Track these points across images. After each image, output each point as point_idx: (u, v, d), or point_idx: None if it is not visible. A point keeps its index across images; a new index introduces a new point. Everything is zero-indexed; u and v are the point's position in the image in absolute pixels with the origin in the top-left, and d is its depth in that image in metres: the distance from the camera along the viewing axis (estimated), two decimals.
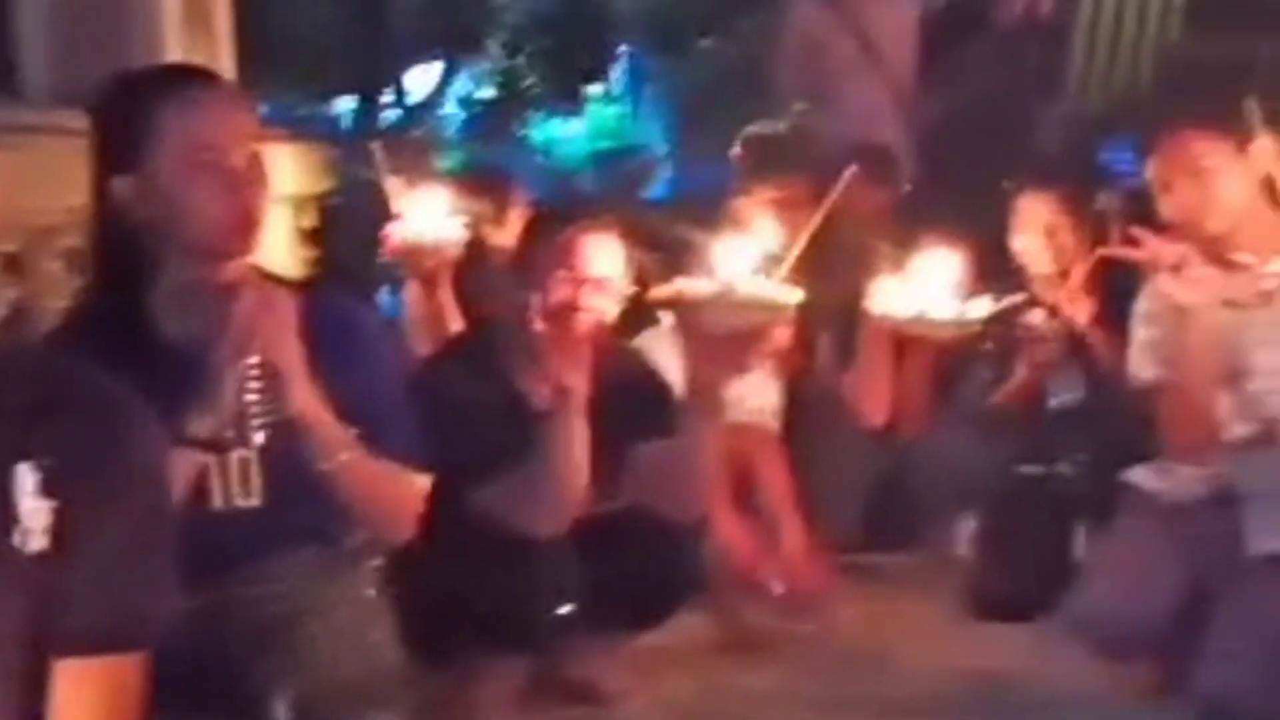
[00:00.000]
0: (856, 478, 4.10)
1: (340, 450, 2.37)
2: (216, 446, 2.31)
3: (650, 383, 3.20)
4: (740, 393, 3.13)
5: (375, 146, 4.27)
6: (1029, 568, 3.89)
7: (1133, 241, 3.11)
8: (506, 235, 4.42)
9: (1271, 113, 3.06)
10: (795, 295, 2.69)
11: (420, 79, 10.86)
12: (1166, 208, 3.13)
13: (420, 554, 2.60)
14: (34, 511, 1.52)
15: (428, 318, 4.04)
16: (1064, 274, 3.98)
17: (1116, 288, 3.50)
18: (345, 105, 10.42)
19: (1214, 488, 3.10)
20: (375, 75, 10.31)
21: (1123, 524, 3.35)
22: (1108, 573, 3.28)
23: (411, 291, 4.26)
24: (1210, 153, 3.06)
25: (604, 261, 3.11)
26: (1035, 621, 3.71)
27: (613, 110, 11.66)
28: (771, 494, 3.90)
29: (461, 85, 10.98)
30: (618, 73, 11.51)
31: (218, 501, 2.37)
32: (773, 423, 3.97)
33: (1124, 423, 3.46)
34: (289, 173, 4.17)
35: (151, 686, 1.61)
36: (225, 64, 4.04)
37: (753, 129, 4.42)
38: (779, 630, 3.80)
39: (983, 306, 3.42)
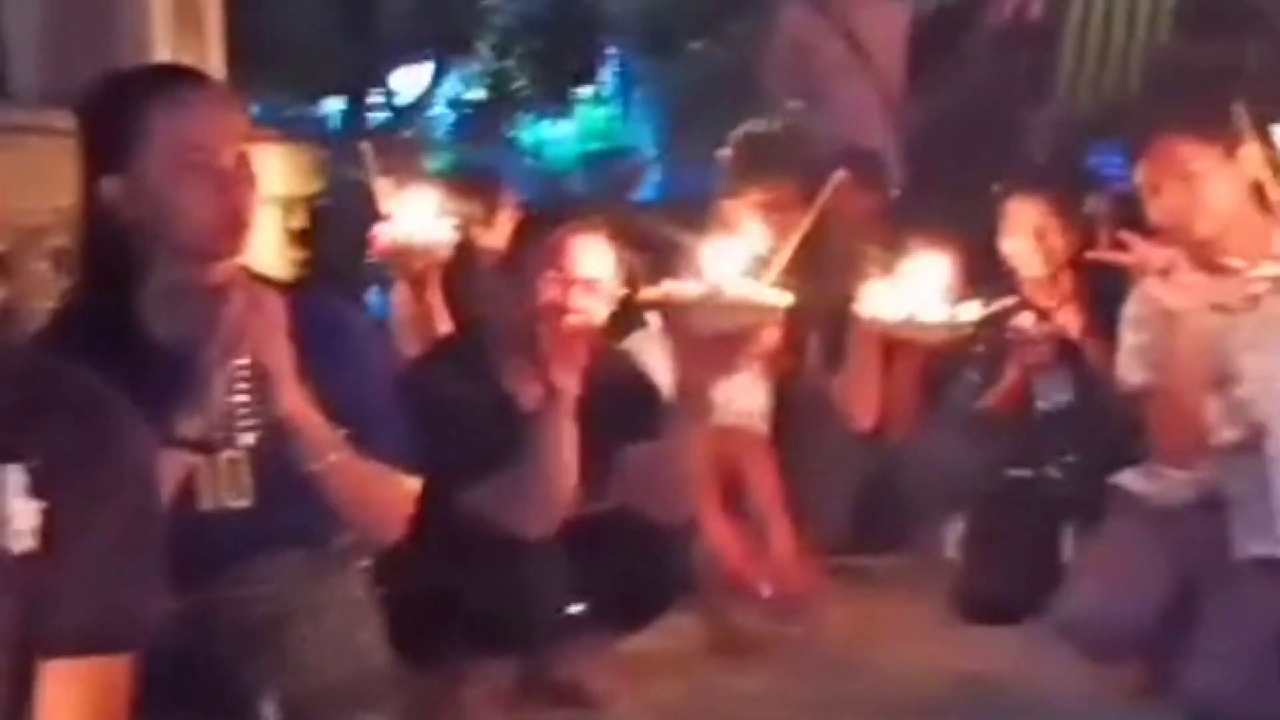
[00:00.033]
0: (845, 480, 4.10)
1: (329, 451, 2.37)
2: (205, 447, 2.30)
3: (638, 385, 3.20)
4: (728, 395, 3.13)
5: (365, 147, 4.27)
6: (1017, 570, 3.90)
7: (1121, 246, 3.11)
8: (495, 237, 4.42)
9: (1260, 117, 3.06)
10: (783, 298, 2.69)
11: (409, 80, 10.85)
12: (1155, 212, 3.13)
13: (409, 555, 2.60)
14: (22, 512, 1.52)
15: (416, 319, 4.04)
16: (1053, 277, 3.99)
17: (1105, 292, 3.50)
18: (334, 106, 10.41)
19: (1202, 491, 3.10)
20: (364, 76, 10.29)
21: (1111, 527, 3.35)
22: (1096, 575, 3.29)
23: (400, 292, 4.26)
24: (1199, 157, 3.07)
25: (593, 263, 3.11)
26: (1024, 623, 3.72)
27: (602, 112, 11.65)
28: (760, 496, 3.90)
29: (451, 87, 10.97)
30: (607, 75, 11.50)
31: (206, 502, 2.37)
32: (761, 425, 3.97)
33: (1112, 426, 3.47)
34: (278, 173, 4.16)
35: (140, 687, 1.60)
36: (214, 64, 4.03)
37: (742, 130, 4.43)
38: (768, 632, 3.80)
39: (972, 310, 3.43)
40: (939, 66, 5.70)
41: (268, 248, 3.98)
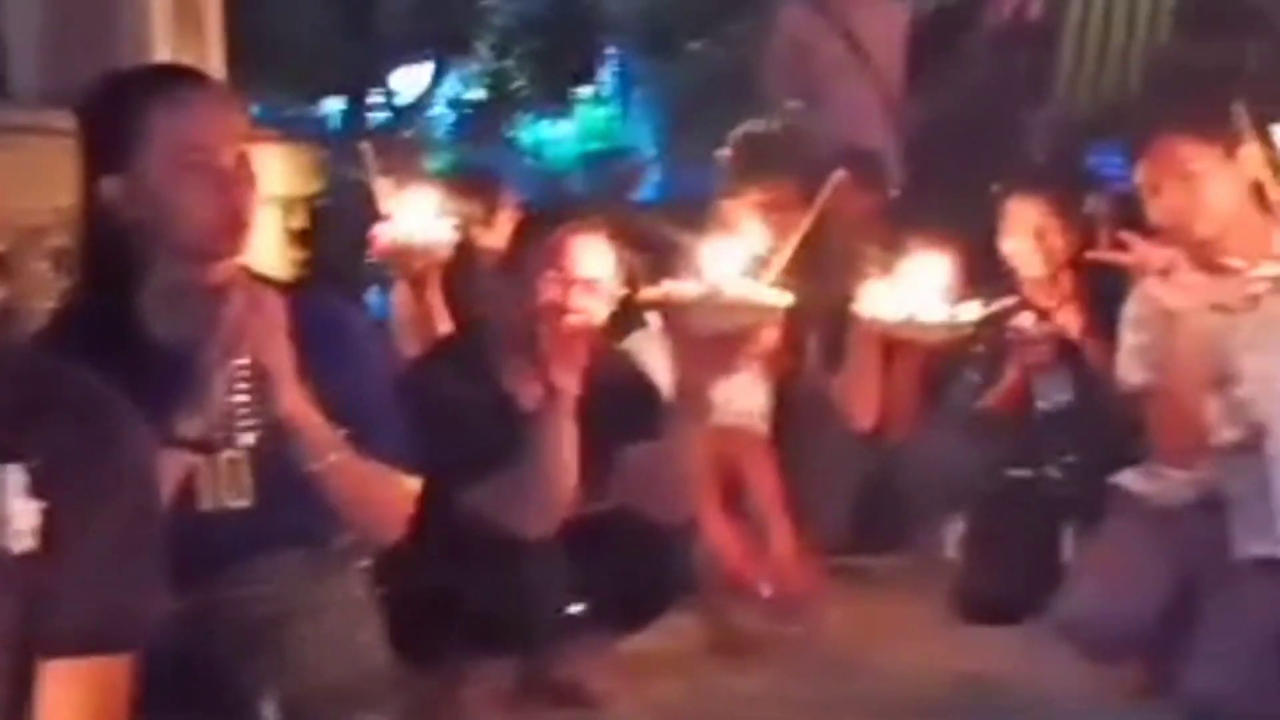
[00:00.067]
0: (845, 480, 4.10)
1: (329, 451, 2.37)
2: (205, 447, 2.30)
3: (638, 385, 3.20)
4: (728, 395, 3.13)
5: (365, 147, 4.27)
6: (1017, 570, 3.90)
7: (1121, 246, 3.11)
8: (495, 237, 4.42)
9: (1260, 117, 3.06)
10: (783, 298, 2.69)
11: (409, 80, 10.85)
12: (1155, 212, 3.13)
13: (409, 555, 2.60)
14: (22, 512, 1.52)
15: (416, 319, 4.04)
16: (1053, 277, 3.99)
17: (1105, 292, 3.50)
18: (334, 106, 10.41)
19: (1202, 491, 3.11)
20: (364, 76, 10.29)
21: (1111, 527, 3.35)
22: (1096, 575, 3.29)
23: (400, 292, 4.26)
24: (1199, 157, 3.07)
25: (593, 263, 3.11)
26: (1024, 623, 3.72)
27: (602, 112, 11.65)
28: (760, 496, 3.90)
29: (451, 87, 10.97)
30: (607, 75, 11.50)
31: (206, 502, 2.37)
32: (761, 425, 3.97)
33: (1112, 426, 3.47)
34: (278, 174, 4.16)
35: (140, 687, 1.60)
36: (214, 64, 4.03)
37: (741, 130, 4.43)
38: (768, 633, 3.80)
39: (972, 310, 3.42)
40: (938, 66, 5.70)
41: (268, 248, 3.98)
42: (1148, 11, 5.82)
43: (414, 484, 2.53)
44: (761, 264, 2.72)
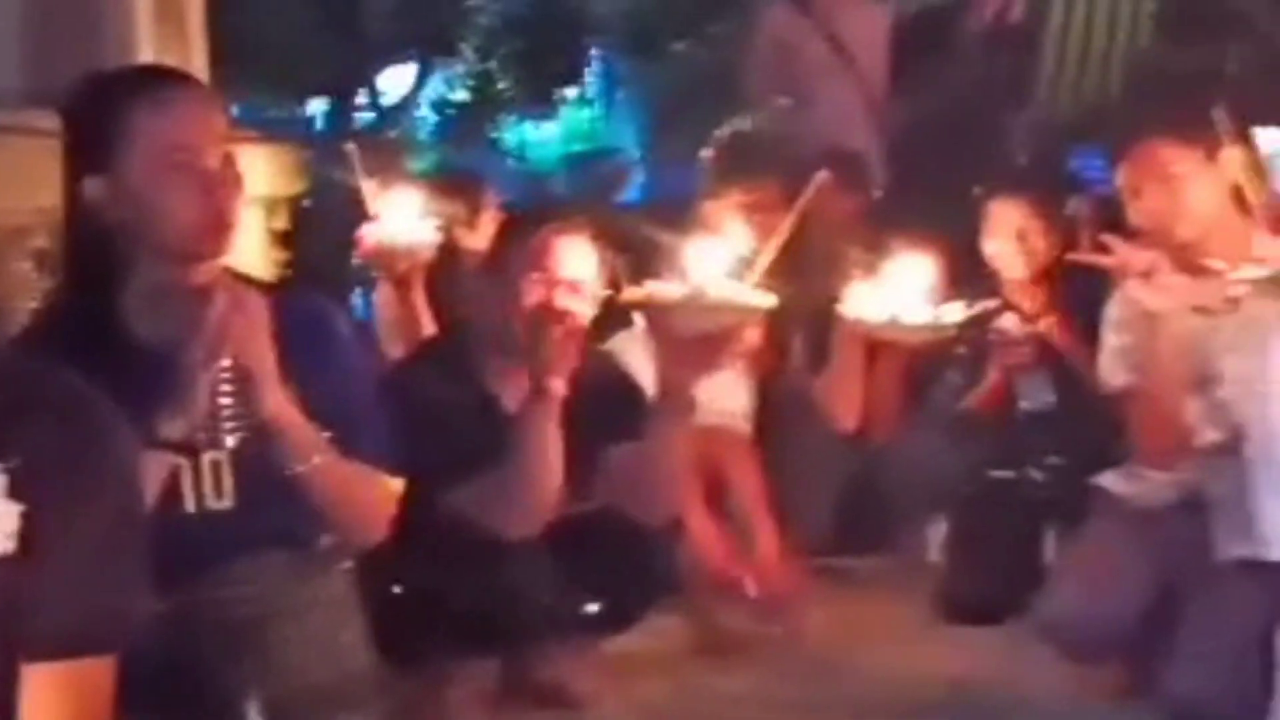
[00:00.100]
0: (828, 481, 4.11)
1: (312, 453, 2.37)
2: (188, 449, 2.30)
3: (622, 386, 3.20)
4: (710, 395, 3.14)
5: (350, 148, 4.27)
6: (1000, 571, 3.91)
7: (1103, 248, 3.12)
8: (478, 238, 4.42)
9: (1240, 121, 3.07)
10: (766, 299, 2.70)
11: (393, 81, 10.84)
12: (1136, 214, 3.14)
13: (392, 556, 2.60)
14: (2, 515, 1.52)
15: (400, 320, 4.04)
16: (1035, 278, 4.00)
17: (1087, 294, 3.51)
18: (318, 107, 10.40)
19: (1183, 493, 3.12)
20: (348, 77, 10.28)
21: (1092, 528, 3.36)
22: (1077, 576, 3.30)
23: (384, 293, 4.26)
24: (1179, 160, 3.08)
25: (577, 263, 3.11)
26: (1006, 624, 3.73)
27: (586, 113, 11.65)
28: (744, 496, 3.91)
29: (434, 88, 10.96)
30: (591, 76, 11.51)
31: (189, 504, 2.36)
32: (744, 425, 3.98)
33: (1095, 428, 3.48)
34: (262, 174, 4.15)
35: (122, 689, 1.60)
36: (198, 65, 4.03)
37: (728, 129, 4.43)
38: (752, 633, 3.81)
39: (955, 311, 3.43)
40: (921, 69, 5.71)
41: (251, 249, 3.97)
42: (1129, 15, 5.84)
43: (397, 485, 2.53)
44: (745, 265, 2.73)
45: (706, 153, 4.40)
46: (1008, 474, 4.03)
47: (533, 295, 3.06)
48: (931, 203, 4.60)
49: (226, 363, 2.28)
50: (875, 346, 3.80)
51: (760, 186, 3.93)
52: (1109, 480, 3.31)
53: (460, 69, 10.79)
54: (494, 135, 10.85)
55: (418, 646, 2.96)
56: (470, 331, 3.24)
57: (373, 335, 4.22)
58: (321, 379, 2.41)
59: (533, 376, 2.93)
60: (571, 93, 11.36)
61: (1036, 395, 4.02)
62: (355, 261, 4.33)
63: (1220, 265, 2.87)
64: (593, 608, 3.11)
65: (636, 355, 3.29)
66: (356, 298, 5.31)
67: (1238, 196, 3.04)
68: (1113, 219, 3.28)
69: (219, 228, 2.37)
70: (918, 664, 3.64)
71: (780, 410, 4.05)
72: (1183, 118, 3.16)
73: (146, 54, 3.89)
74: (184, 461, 2.32)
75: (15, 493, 1.52)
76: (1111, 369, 3.22)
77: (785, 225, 2.90)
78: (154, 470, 2.22)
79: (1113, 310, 3.23)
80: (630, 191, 9.19)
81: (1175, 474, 3.12)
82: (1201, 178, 3.07)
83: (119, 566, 1.59)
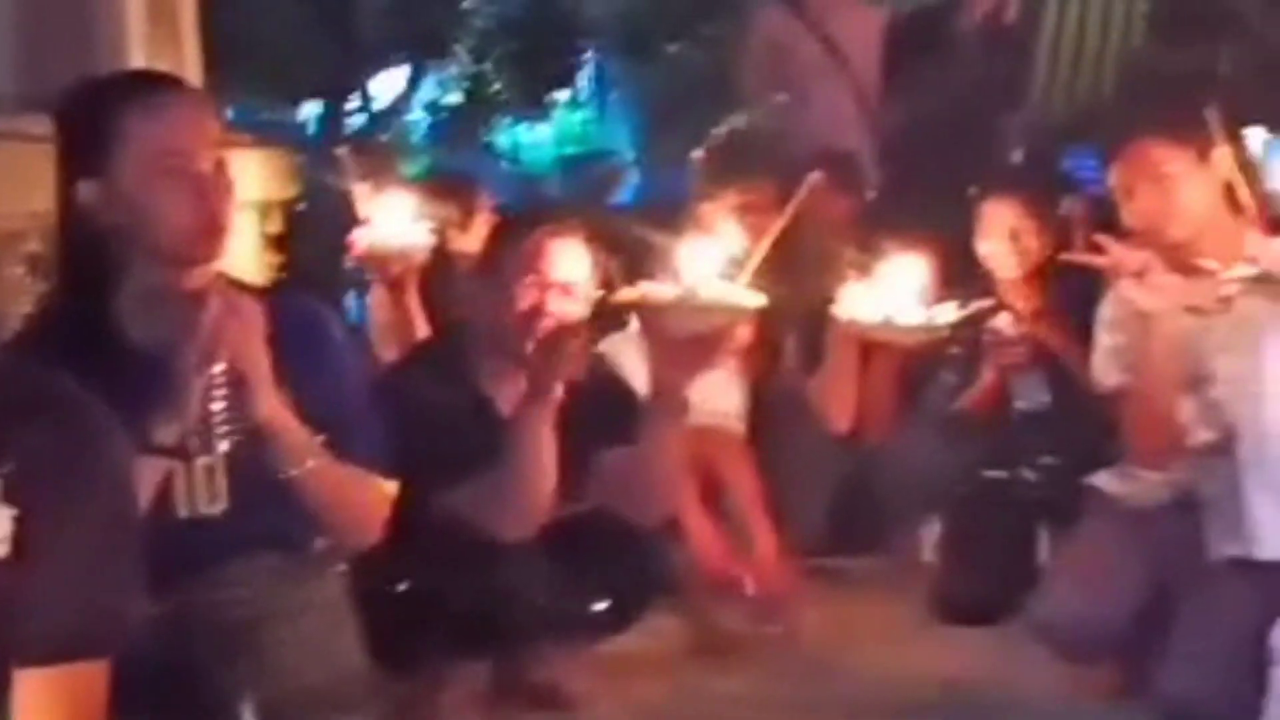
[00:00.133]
0: (822, 481, 4.12)
1: (306, 457, 2.37)
2: (182, 453, 2.30)
3: (615, 388, 3.20)
4: (703, 395, 3.14)
5: (343, 152, 4.27)
6: (993, 572, 3.91)
7: (1096, 248, 3.12)
8: (471, 240, 4.42)
9: (1232, 121, 3.07)
10: (757, 299, 2.70)
11: (386, 84, 10.84)
12: (1129, 214, 3.15)
13: (386, 559, 2.60)
14: None
15: (394, 323, 4.04)
16: (1028, 278, 4.01)
17: (1080, 294, 3.52)
18: (311, 110, 10.40)
19: (1176, 492, 3.12)
20: (341, 80, 10.28)
21: (1086, 528, 3.37)
22: (1071, 576, 3.31)
23: (377, 297, 4.26)
24: (1172, 160, 3.08)
25: (570, 266, 3.12)
26: (1000, 625, 3.74)
27: (579, 115, 11.66)
28: (739, 496, 3.91)
29: (428, 90, 10.97)
30: (584, 78, 11.52)
31: (182, 508, 2.36)
32: (738, 425, 3.98)
33: (1089, 427, 3.48)
34: (255, 178, 4.16)
35: (116, 692, 1.60)
36: (191, 69, 4.03)
37: (721, 129, 4.43)
38: (749, 633, 3.81)
39: (948, 312, 3.43)
40: (915, 69, 5.71)
41: (245, 253, 3.97)
42: (1122, 16, 5.84)
43: (391, 488, 2.54)
44: (737, 266, 2.73)
45: (698, 154, 4.40)
46: (1001, 474, 4.03)
47: (526, 298, 3.07)
48: (925, 203, 4.60)
49: (220, 367, 2.28)
50: (869, 347, 3.81)
51: (754, 188, 3.94)
52: (1102, 480, 3.32)
53: (453, 71, 10.80)
54: (487, 138, 10.86)
55: (412, 648, 2.97)
56: (464, 334, 3.24)
57: (366, 338, 4.22)
58: (315, 382, 2.41)
59: (531, 380, 2.93)
60: (565, 95, 11.37)
61: (1031, 395, 4.02)
62: (349, 265, 4.33)
63: (1213, 265, 2.88)
64: (599, 607, 3.11)
65: (630, 357, 3.29)
66: (350, 301, 5.30)
67: (1230, 196, 3.05)
68: (1106, 219, 3.29)
69: (212, 232, 2.37)
70: (912, 664, 3.64)
71: (774, 411, 4.05)
72: (1175, 118, 3.16)
73: (139, 58, 3.89)
74: (178, 465, 2.32)
75: (9, 497, 1.52)
76: (1104, 369, 3.22)
77: (776, 226, 2.90)
78: (147, 474, 2.22)
79: (1106, 310, 3.24)
80: (624, 193, 9.19)
81: (1168, 474, 3.13)
82: (1194, 178, 3.08)
83: (112, 570, 1.59)
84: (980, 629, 3.81)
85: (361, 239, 3.96)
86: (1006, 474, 4.02)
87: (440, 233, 4.22)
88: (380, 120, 10.52)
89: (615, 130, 11.24)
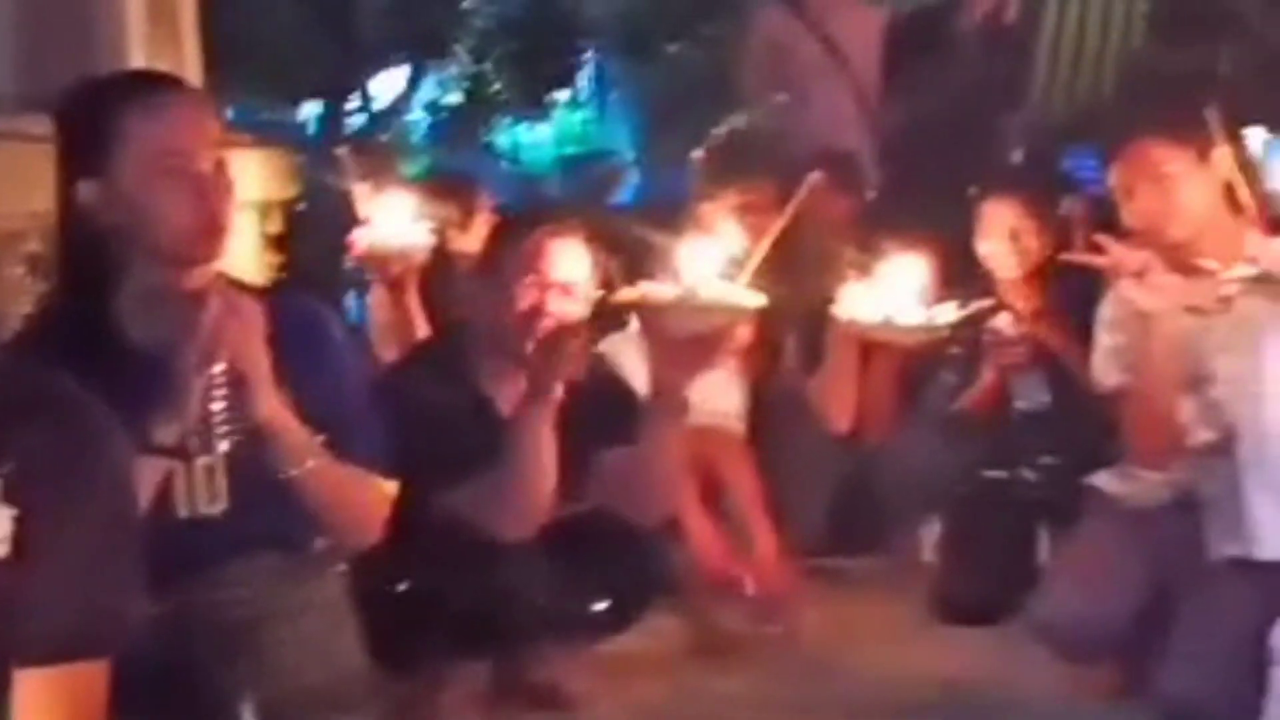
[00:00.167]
0: (822, 481, 4.12)
1: (306, 457, 2.37)
2: (182, 453, 2.30)
3: (615, 388, 3.20)
4: (703, 395, 3.14)
5: (343, 152, 4.27)
6: (994, 572, 3.91)
7: (1096, 248, 3.12)
8: (471, 240, 4.42)
9: (1232, 121, 3.07)
10: (757, 299, 2.71)
11: (386, 84, 10.84)
12: (1129, 214, 3.15)
13: (386, 559, 2.60)
14: None
15: (394, 323, 4.04)
16: (1028, 278, 4.01)
17: (1081, 294, 3.52)
18: (311, 110, 10.40)
19: (1176, 492, 3.12)
20: (341, 80, 10.29)
21: (1086, 528, 3.37)
22: (1071, 576, 3.31)
23: (377, 297, 4.26)
24: (1172, 160, 3.08)
25: (570, 266, 3.12)
26: (1000, 625, 3.74)
27: (579, 115, 11.66)
28: (740, 496, 3.91)
29: (428, 90, 10.97)
30: (584, 78, 11.52)
31: (182, 508, 2.36)
32: (738, 425, 3.98)
33: (1089, 427, 3.48)
34: (255, 178, 4.16)
35: (116, 692, 1.60)
36: (191, 69, 4.03)
37: (722, 129, 4.43)
38: (749, 633, 3.81)
39: (949, 311, 3.44)
40: (915, 69, 5.71)
41: (245, 253, 3.98)
42: (1122, 16, 5.84)
43: (391, 487, 2.54)
44: (737, 266, 2.73)
45: (698, 154, 4.40)
46: (1001, 474, 4.03)
47: (526, 298, 3.07)
48: (925, 203, 4.60)
49: (220, 367, 2.28)
50: (869, 347, 3.81)
51: (754, 188, 3.95)
52: (1102, 480, 3.32)
53: (453, 71, 10.80)
54: (487, 138, 10.87)
55: (412, 648, 2.97)
56: (464, 334, 3.25)
57: (366, 338, 4.22)
58: (315, 382, 2.41)
59: (531, 380, 2.94)
60: (565, 95, 11.38)
61: (1032, 395, 4.02)
62: (349, 265, 4.33)
63: (1213, 265, 2.88)
64: (599, 606, 3.11)
65: (630, 357, 3.29)
66: (350, 301, 5.31)
67: (1230, 196, 3.05)
68: (1106, 219, 3.29)
69: (212, 232, 2.37)
70: (912, 664, 3.64)
71: (774, 411, 4.05)
72: (1175, 118, 3.16)
73: (139, 58, 3.89)
74: (178, 465, 2.32)
75: (9, 497, 1.52)
76: (1104, 369, 3.23)
77: (776, 226, 2.90)
78: (147, 474, 2.22)
79: (1106, 310, 3.24)
80: (624, 193, 9.20)
81: (1168, 474, 3.13)
82: (1194, 178, 3.08)
83: (112, 571, 1.59)
84: (980, 629, 3.81)
85: (361, 239, 3.96)
86: (1006, 474, 4.02)
87: (440, 233, 4.22)
88: (380, 120, 10.52)
89: (615, 130, 11.25)
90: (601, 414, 3.05)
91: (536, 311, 3.07)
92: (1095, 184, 3.79)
